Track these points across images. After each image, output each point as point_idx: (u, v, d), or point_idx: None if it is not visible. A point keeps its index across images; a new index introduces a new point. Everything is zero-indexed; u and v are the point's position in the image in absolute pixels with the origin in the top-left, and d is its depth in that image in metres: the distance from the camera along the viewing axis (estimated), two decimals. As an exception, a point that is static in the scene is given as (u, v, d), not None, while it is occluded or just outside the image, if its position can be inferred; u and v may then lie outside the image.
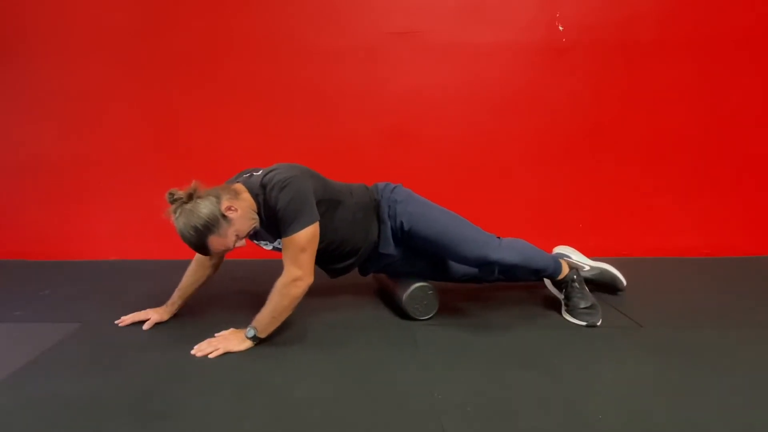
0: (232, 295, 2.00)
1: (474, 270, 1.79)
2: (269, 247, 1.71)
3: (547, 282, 1.91)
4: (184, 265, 1.77)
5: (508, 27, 2.47)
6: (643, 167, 2.57)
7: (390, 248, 1.75)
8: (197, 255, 1.72)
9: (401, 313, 1.77)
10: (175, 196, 1.44)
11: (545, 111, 2.54)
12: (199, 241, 1.42)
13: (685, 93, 2.51)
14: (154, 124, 2.56)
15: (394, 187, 1.79)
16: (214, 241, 1.44)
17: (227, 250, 1.50)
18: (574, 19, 2.46)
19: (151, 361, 1.44)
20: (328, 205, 1.62)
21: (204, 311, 1.82)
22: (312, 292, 2.01)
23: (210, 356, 1.46)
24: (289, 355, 1.48)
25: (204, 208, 1.41)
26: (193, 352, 1.48)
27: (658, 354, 1.47)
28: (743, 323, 1.71)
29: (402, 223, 1.71)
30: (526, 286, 2.06)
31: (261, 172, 1.59)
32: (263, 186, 1.53)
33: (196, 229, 1.40)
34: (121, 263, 2.50)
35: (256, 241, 1.72)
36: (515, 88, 2.52)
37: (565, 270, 1.84)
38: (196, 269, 1.75)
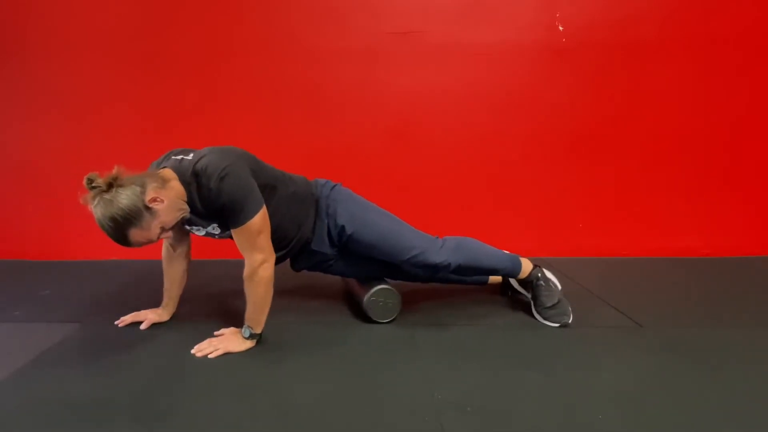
0: (232, 295, 1.99)
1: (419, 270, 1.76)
2: (201, 233, 1.61)
3: (513, 282, 1.87)
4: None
5: (508, 27, 2.47)
6: (643, 167, 2.57)
7: (324, 246, 1.71)
8: (163, 252, 1.71)
9: (364, 316, 1.73)
10: (93, 183, 1.30)
11: (545, 111, 2.54)
12: (118, 233, 1.32)
13: (685, 93, 2.51)
14: (155, 124, 2.56)
15: (334, 186, 1.74)
16: (136, 234, 1.34)
17: (150, 242, 1.40)
18: (574, 19, 2.46)
19: (151, 361, 1.44)
20: (263, 190, 1.51)
21: (204, 311, 1.82)
22: (311, 293, 2.02)
23: (210, 356, 1.46)
24: (289, 355, 1.48)
25: (125, 198, 1.30)
26: (193, 351, 1.48)
27: (658, 354, 1.47)
28: (743, 323, 1.71)
29: (343, 226, 1.66)
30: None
31: (192, 157, 1.48)
32: (196, 174, 1.43)
33: (114, 220, 1.29)
34: (121, 263, 2.49)
35: (187, 227, 1.62)
36: (515, 88, 2.52)
37: (527, 268, 1.81)
38: (168, 268, 1.72)
